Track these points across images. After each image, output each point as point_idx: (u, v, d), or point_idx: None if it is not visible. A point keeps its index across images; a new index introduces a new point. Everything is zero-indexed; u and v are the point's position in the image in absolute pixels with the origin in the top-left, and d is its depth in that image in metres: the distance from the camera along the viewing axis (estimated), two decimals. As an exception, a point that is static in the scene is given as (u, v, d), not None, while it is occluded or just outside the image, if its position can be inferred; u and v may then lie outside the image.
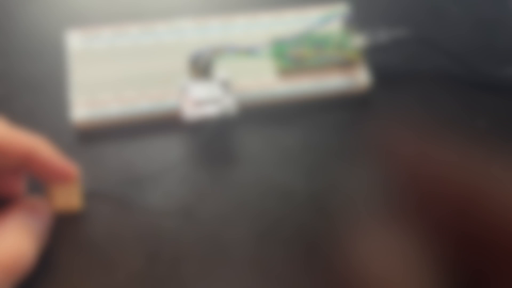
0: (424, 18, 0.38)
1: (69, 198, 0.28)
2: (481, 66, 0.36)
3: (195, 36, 0.33)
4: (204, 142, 0.29)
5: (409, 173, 0.33)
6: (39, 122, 0.30)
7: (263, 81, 0.32)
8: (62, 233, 0.28)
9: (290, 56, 0.31)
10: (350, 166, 0.33)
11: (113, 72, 0.30)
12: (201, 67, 0.31)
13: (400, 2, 0.39)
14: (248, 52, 0.30)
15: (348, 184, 0.32)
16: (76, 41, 0.31)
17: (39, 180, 0.27)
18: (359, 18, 0.37)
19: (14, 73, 0.31)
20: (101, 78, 0.30)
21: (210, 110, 0.29)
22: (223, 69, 0.32)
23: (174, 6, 0.35)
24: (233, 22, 0.33)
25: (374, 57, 0.36)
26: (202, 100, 0.30)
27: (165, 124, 0.31)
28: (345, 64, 0.33)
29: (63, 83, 0.31)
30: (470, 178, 0.33)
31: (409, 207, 0.32)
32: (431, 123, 0.35)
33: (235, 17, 0.34)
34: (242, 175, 0.31)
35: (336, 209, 0.31)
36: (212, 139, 0.31)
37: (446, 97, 0.36)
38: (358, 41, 0.33)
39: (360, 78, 0.34)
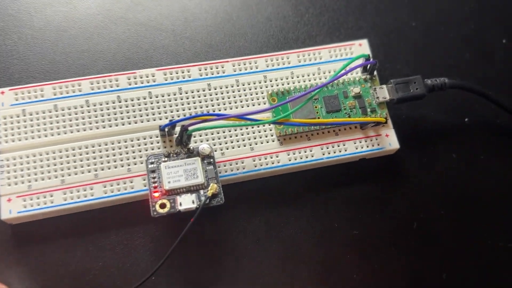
0: (468, 58, 0.30)
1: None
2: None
3: (171, 89, 0.24)
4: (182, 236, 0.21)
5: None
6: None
7: (261, 150, 0.24)
8: None
9: (296, 120, 0.23)
10: (373, 259, 0.25)
11: (56, 146, 0.23)
12: (176, 139, 0.23)
13: (438, 38, 0.31)
14: (240, 120, 0.22)
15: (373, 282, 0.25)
16: (6, 105, 0.23)
17: None
18: (385, 64, 0.29)
19: None
20: (39, 154, 0.22)
21: (186, 202, 0.22)
22: (205, 139, 0.24)
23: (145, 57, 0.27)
24: (220, 69, 0.25)
25: (404, 109, 0.28)
26: (176, 187, 0.22)
27: (128, 214, 0.23)
28: (367, 125, 0.25)
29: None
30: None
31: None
32: (474, 191, 0.27)
33: (224, 62, 0.26)
34: (234, 280, 0.23)
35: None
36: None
37: (493, 156, 0.28)
38: (384, 93, 0.25)
39: (386, 141, 0.26)
